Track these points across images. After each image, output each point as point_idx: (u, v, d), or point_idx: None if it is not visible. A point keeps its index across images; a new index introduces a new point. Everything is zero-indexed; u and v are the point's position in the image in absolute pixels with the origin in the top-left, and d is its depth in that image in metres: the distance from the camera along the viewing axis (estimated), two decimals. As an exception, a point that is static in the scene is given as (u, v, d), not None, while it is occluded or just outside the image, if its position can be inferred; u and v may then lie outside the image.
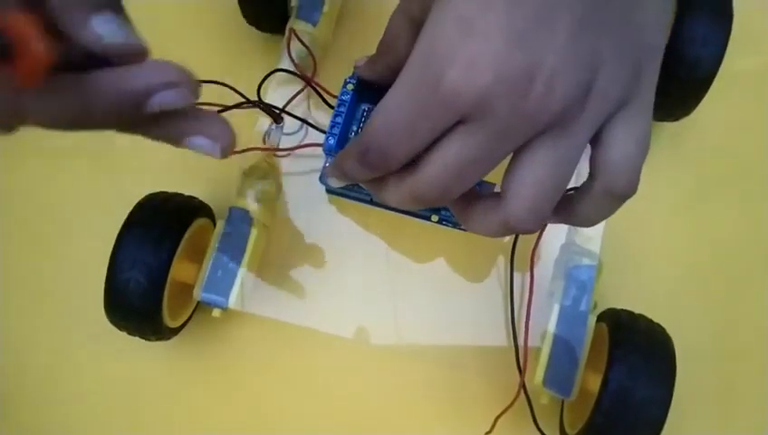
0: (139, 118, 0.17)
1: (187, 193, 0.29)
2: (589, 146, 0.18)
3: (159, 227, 0.26)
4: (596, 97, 0.16)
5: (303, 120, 0.30)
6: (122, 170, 0.33)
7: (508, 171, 0.18)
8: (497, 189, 0.21)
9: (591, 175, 0.18)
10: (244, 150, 0.29)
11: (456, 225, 0.29)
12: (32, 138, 0.34)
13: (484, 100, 0.15)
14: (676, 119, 0.30)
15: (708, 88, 0.28)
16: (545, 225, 0.28)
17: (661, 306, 0.27)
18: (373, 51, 0.24)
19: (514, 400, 0.26)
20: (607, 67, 0.16)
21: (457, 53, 0.15)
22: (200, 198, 0.30)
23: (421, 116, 0.16)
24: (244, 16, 0.32)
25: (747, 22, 0.29)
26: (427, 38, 0.16)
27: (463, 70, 0.15)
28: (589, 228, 0.28)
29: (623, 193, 0.18)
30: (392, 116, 0.17)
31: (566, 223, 0.20)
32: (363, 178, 0.20)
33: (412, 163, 0.18)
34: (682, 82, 0.28)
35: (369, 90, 0.28)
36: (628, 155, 0.17)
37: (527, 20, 0.15)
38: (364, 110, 0.28)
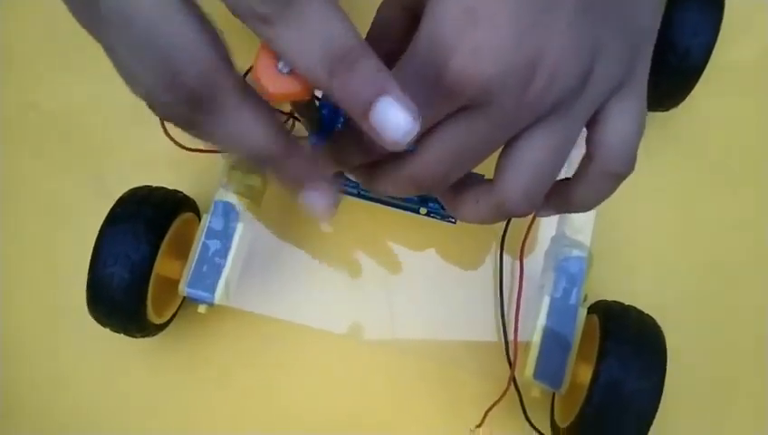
0: None
1: (171, 187, 0.29)
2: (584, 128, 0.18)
3: (143, 221, 0.26)
4: (594, 82, 0.17)
5: (289, 114, 0.29)
6: (106, 165, 0.33)
7: (503, 154, 0.18)
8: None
9: (589, 156, 0.18)
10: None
11: (444, 217, 0.29)
12: (14, 133, 0.34)
13: (488, 89, 0.15)
14: (667, 109, 0.30)
15: (699, 77, 0.28)
16: (535, 215, 0.28)
17: (652, 298, 0.27)
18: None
19: (504, 393, 0.26)
20: (605, 52, 0.16)
21: (461, 42, 0.15)
22: (185, 192, 0.29)
23: (423, 104, 0.16)
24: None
25: (738, 11, 0.29)
26: (429, 26, 0.16)
27: (467, 59, 0.15)
28: (579, 220, 0.28)
29: (621, 172, 0.18)
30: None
31: (563, 211, 0.20)
32: (356, 163, 0.19)
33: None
34: (673, 72, 0.28)
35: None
36: (626, 134, 0.18)
37: (530, 8, 0.15)
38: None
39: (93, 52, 0.37)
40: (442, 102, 0.16)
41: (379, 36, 0.21)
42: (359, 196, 0.29)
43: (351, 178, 0.25)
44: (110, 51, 0.16)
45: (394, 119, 0.15)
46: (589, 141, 0.18)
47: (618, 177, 0.18)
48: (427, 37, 0.16)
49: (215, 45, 0.15)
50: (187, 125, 0.16)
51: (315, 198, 0.17)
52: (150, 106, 0.16)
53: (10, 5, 0.36)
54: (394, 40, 0.20)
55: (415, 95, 0.16)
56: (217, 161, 0.29)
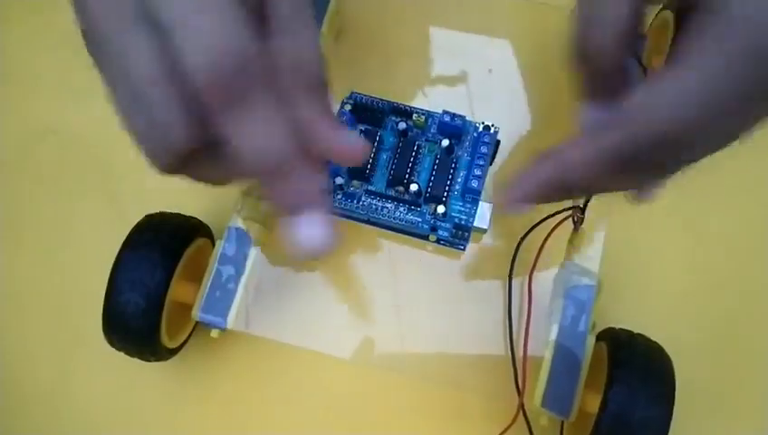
0: None
1: (186, 213, 0.29)
2: None
3: (158, 247, 0.26)
4: None
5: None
6: (121, 191, 0.34)
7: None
8: None
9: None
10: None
11: (453, 244, 0.29)
12: (32, 157, 0.35)
13: None
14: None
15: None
16: (544, 244, 0.29)
17: (661, 326, 0.27)
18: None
19: (513, 421, 0.26)
20: None
21: None
22: (199, 218, 0.30)
23: (741, 79, 0.14)
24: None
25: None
26: (748, 29, 0.13)
27: None
28: (588, 247, 0.28)
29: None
30: (709, 111, 0.14)
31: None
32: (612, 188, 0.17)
33: None
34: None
35: (366, 111, 0.28)
36: None
37: None
38: (361, 130, 0.28)
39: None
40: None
41: (608, 47, 0.17)
42: (368, 222, 0.29)
43: (365, 202, 0.26)
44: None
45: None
46: None
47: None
48: (750, 41, 0.13)
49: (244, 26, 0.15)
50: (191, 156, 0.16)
51: (314, 226, 0.17)
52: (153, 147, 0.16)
53: (28, 29, 0.37)
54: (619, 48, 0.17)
55: (736, 74, 0.14)
56: (233, 188, 0.29)
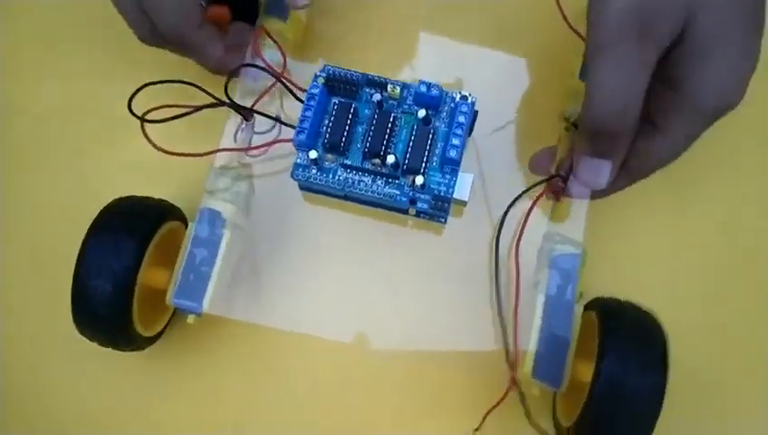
0: None
1: (158, 195, 0.28)
2: None
3: (125, 231, 0.25)
4: None
5: (273, 118, 0.29)
6: (92, 174, 0.32)
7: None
8: None
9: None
10: (214, 151, 0.28)
11: (433, 217, 0.28)
12: (0, 138, 0.34)
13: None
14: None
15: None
16: (529, 213, 0.28)
17: (647, 293, 0.26)
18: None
19: (506, 394, 0.25)
20: None
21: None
22: (172, 201, 0.29)
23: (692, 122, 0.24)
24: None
25: None
26: (695, 104, 0.23)
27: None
28: (570, 215, 0.28)
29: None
30: (675, 156, 0.25)
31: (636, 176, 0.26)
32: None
33: None
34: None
35: (339, 83, 0.27)
36: None
37: None
38: (335, 103, 0.27)
39: (80, 56, 0.37)
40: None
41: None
42: (345, 198, 0.28)
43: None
44: None
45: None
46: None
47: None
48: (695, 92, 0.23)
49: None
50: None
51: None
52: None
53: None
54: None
55: (690, 135, 0.24)
56: (204, 168, 0.28)
